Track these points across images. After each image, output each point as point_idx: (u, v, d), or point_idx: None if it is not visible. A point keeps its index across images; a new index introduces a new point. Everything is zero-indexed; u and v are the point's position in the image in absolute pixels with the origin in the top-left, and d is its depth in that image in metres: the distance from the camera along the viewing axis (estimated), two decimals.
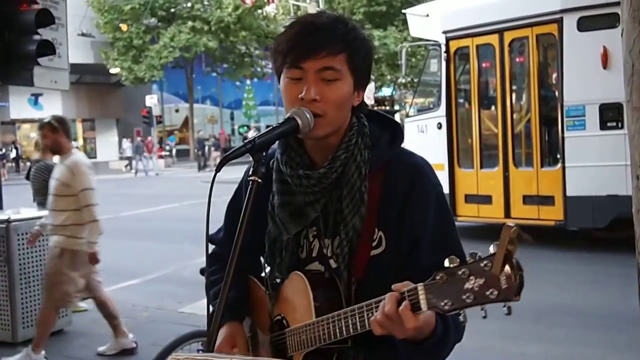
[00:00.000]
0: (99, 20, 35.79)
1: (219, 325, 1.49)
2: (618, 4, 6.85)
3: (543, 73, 9.88)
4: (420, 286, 1.32)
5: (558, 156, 9.31)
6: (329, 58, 1.55)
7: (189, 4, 36.54)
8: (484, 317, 1.24)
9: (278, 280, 1.73)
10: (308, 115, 1.54)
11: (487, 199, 9.99)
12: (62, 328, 6.23)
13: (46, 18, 6.16)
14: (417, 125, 11.10)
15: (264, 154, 1.51)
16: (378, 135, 1.68)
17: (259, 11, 36.77)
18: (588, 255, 9.00)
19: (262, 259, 1.83)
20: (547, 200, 9.35)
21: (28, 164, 7.13)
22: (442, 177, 9.66)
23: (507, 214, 9.71)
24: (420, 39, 10.69)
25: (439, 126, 10.48)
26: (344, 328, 1.48)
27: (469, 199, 10.03)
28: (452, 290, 1.26)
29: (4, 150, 33.76)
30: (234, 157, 1.48)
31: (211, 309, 1.83)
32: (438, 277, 1.28)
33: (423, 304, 1.31)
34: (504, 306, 1.22)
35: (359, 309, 1.45)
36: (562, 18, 9.08)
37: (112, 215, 15.69)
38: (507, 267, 1.19)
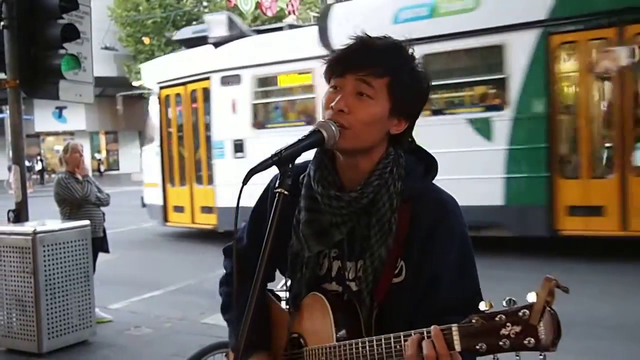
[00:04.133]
0: (121, 34, 36.22)
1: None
2: (242, 67, 11.15)
3: (207, 116, 13.22)
4: (454, 326, 1.34)
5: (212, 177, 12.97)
6: (370, 77, 1.57)
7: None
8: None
9: (297, 298, 1.71)
10: (333, 128, 1.54)
11: (181, 209, 13.68)
12: (86, 339, 6.27)
13: (71, 33, 6.25)
14: (150, 152, 14.74)
15: (290, 166, 1.52)
16: (412, 167, 1.67)
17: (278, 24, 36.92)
18: (613, 266, 8.89)
19: (278, 270, 1.83)
20: (208, 210, 12.97)
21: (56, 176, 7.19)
22: (157, 192, 14.06)
23: (193, 220, 13.48)
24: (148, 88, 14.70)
25: (157, 153, 14.05)
26: (368, 356, 1.47)
27: (176, 209, 13.78)
28: (487, 334, 1.29)
29: (29, 163, 34.19)
30: (260, 170, 1.48)
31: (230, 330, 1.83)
32: (474, 320, 1.31)
33: (457, 344, 1.33)
34: (540, 355, 1.27)
35: (385, 340, 1.45)
36: (210, 76, 12.68)
37: (135, 227, 15.83)
38: (545, 318, 1.24)
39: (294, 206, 1.71)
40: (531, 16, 9.37)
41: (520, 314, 1.26)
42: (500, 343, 1.27)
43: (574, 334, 6.09)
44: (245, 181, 1.48)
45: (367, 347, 1.47)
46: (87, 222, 6.44)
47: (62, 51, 6.25)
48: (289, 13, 32.07)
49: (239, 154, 12.16)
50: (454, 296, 1.46)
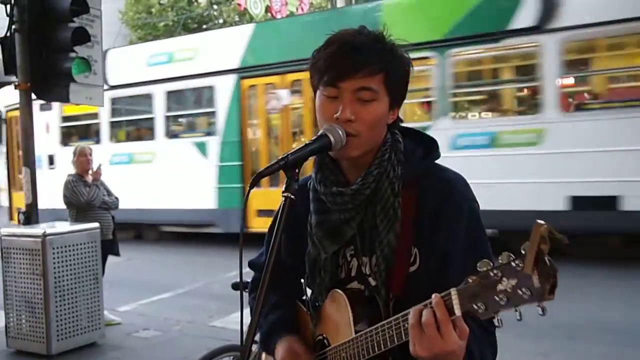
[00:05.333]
0: (132, 37, 36.37)
1: (274, 344, 1.53)
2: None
3: None
4: (453, 290, 1.30)
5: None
6: (367, 79, 1.54)
7: (221, 20, 36.96)
8: (519, 319, 1.21)
9: (319, 301, 1.71)
10: (340, 132, 1.53)
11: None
12: (95, 341, 6.29)
13: (82, 36, 6.29)
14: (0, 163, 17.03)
15: (297, 170, 1.51)
16: (412, 151, 1.66)
17: None
18: (623, 271, 8.84)
19: (302, 280, 1.82)
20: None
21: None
22: (5, 196, 16.43)
23: None
24: None
25: (4, 164, 16.22)
26: (381, 341, 1.45)
27: (18, 210, 15.40)
28: (485, 293, 1.24)
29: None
30: (267, 174, 1.48)
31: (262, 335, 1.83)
32: (470, 281, 1.27)
33: (457, 309, 1.29)
34: (538, 306, 1.19)
35: (395, 321, 1.42)
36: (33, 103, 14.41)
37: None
38: (540, 266, 1.17)
39: (307, 214, 1.71)
40: (230, 65, 12.40)
41: (514, 265, 1.20)
42: (497, 299, 1.22)
43: (581, 339, 6.08)
44: (252, 185, 1.47)
45: (380, 333, 1.46)
46: (96, 224, 6.47)
47: (72, 54, 6.28)
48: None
49: (51, 166, 14.67)
50: (464, 273, 1.38)
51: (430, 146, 1.68)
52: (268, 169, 1.49)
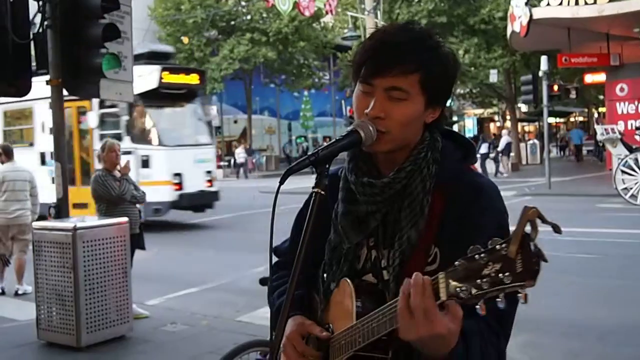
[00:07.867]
0: (161, 34, 36.63)
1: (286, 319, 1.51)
2: None
3: None
4: (441, 274, 1.28)
5: None
6: (399, 78, 1.53)
7: (249, 17, 37.09)
8: (501, 307, 1.19)
9: (332, 289, 1.69)
10: (371, 128, 1.53)
11: None
12: (123, 334, 6.36)
13: (113, 32, 6.34)
14: None
15: (327, 166, 1.51)
16: (449, 152, 1.65)
17: (316, 23, 36.94)
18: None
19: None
20: None
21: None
22: None
23: None
24: None
25: None
26: (375, 328, 1.45)
27: None
28: (470, 277, 1.22)
29: None
30: (297, 169, 1.48)
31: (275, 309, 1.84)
32: (458, 264, 1.25)
33: (442, 292, 1.27)
34: (519, 293, 1.16)
35: (388, 307, 1.41)
36: None
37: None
38: (524, 251, 1.15)
39: (334, 203, 1.70)
40: None
41: (498, 247, 1.18)
42: (480, 283, 1.19)
43: (610, 340, 5.99)
44: (282, 180, 1.47)
45: (375, 319, 1.45)
46: (125, 218, 6.53)
47: (103, 50, 6.34)
48: (327, 13, 32.12)
49: None
50: None
51: (468, 150, 1.67)
52: (298, 165, 1.49)
